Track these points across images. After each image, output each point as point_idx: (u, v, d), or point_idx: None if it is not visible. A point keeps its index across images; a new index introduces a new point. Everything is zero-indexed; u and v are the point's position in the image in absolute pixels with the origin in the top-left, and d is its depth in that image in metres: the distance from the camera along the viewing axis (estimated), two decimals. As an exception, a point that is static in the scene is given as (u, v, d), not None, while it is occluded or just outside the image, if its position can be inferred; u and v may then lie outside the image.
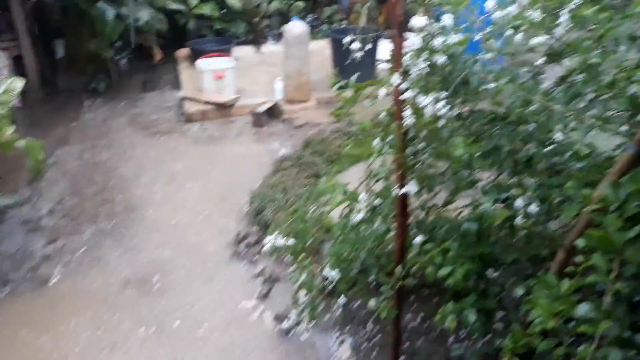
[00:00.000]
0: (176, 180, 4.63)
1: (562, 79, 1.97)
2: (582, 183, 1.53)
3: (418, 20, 1.57)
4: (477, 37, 1.81)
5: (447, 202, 1.99)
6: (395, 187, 1.89)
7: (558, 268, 1.58)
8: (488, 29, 1.83)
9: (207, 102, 5.88)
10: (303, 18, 8.91)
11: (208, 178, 4.65)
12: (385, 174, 2.10)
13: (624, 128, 1.49)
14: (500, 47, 1.88)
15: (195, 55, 6.83)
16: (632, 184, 1.26)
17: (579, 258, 1.29)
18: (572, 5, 1.72)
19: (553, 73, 2.05)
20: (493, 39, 1.85)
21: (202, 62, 6.09)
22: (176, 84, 6.81)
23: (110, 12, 5.93)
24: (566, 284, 1.31)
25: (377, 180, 2.16)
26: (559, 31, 1.76)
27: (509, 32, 1.79)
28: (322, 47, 7.19)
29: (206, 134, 5.54)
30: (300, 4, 8.52)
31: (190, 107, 5.86)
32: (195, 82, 6.40)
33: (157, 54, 7.41)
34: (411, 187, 1.87)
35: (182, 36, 7.87)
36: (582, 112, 1.51)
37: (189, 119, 5.80)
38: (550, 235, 1.69)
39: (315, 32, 8.62)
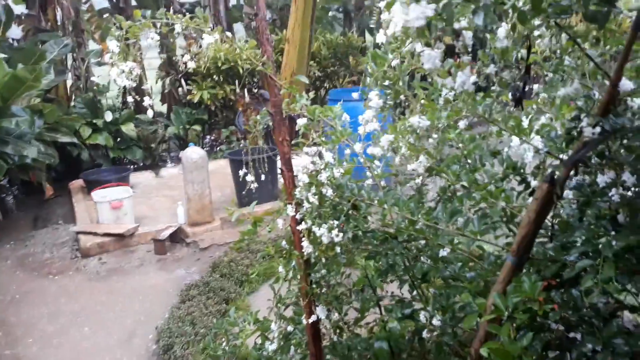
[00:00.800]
0: (74, 324, 4.24)
1: (443, 191, 2.15)
2: (476, 291, 1.62)
3: (303, 161, 1.67)
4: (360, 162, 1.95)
5: (358, 320, 2.00)
6: (304, 315, 1.88)
7: (469, 378, 1.61)
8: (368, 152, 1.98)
9: (104, 234, 5.62)
10: (202, 140, 9.09)
11: (110, 317, 4.31)
12: (293, 299, 2.08)
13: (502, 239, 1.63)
14: (383, 171, 2.04)
15: (90, 186, 6.63)
16: (516, 293, 1.35)
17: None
18: (440, 126, 1.93)
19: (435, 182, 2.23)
20: (374, 162, 2.00)
21: (98, 194, 5.90)
22: (71, 218, 6.48)
23: (-7, 153, 5.66)
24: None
25: (285, 307, 2.14)
26: (433, 151, 1.95)
27: (389, 154, 1.95)
28: (223, 166, 7.31)
29: (105, 268, 5.23)
30: (197, 128, 8.72)
31: (87, 241, 5.56)
32: (91, 215, 6.15)
33: (49, 190, 7.10)
34: (320, 313, 1.87)
35: (75, 167, 7.66)
36: (463, 227, 1.63)
37: (86, 253, 5.47)
38: (457, 344, 1.74)
39: (215, 152, 8.79)
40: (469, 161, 2.02)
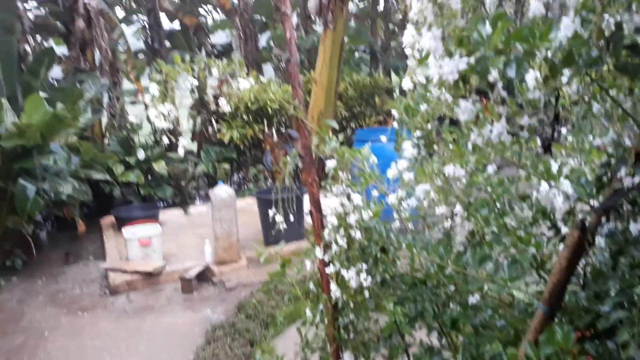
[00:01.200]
0: (99, 362, 4.26)
1: (472, 235, 2.13)
2: (507, 340, 1.58)
3: (331, 202, 1.69)
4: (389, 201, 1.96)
5: (383, 369, 1.97)
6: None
7: None
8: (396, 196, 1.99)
9: (133, 272, 5.69)
10: (230, 177, 9.24)
11: (134, 357, 4.32)
12: (320, 344, 2.06)
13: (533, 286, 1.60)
14: (411, 213, 2.04)
15: (121, 222, 6.76)
16: (548, 344, 1.32)
17: None
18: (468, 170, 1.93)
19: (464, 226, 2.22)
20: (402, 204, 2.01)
21: (128, 231, 6.01)
22: (101, 254, 6.59)
23: (31, 190, 5.85)
24: None
25: (312, 352, 2.12)
26: (461, 194, 1.95)
27: (416, 199, 1.96)
28: (250, 204, 7.38)
29: (133, 306, 5.27)
30: (226, 166, 8.87)
31: (115, 279, 5.63)
32: (121, 251, 6.25)
33: (81, 225, 7.26)
34: (347, 359, 1.85)
35: (107, 203, 7.84)
36: (493, 273, 1.61)
37: (114, 291, 5.54)
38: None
39: (243, 190, 8.91)
40: (498, 205, 2.01)
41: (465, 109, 1.13)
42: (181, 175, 8.42)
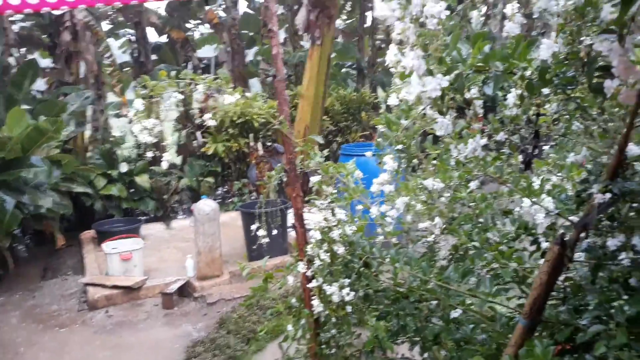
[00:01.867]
0: (76, 379, 4.17)
1: (455, 249, 2.14)
2: (488, 355, 1.59)
3: (315, 216, 1.69)
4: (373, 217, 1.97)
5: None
6: (312, 377, 1.84)
7: None
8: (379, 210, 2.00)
9: (113, 287, 5.60)
10: (214, 191, 9.18)
11: (113, 372, 4.23)
12: (302, 359, 2.05)
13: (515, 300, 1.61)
14: (395, 228, 2.05)
15: (102, 237, 6.67)
16: (528, 358, 1.32)
17: None
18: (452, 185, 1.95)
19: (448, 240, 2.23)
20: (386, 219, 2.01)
21: (108, 245, 5.93)
22: (80, 269, 6.47)
23: (10, 203, 5.75)
24: None
25: (294, 368, 2.10)
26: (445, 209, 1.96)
27: (396, 211, 1.97)
28: (234, 218, 7.34)
29: (112, 322, 5.17)
30: (211, 180, 8.82)
31: (95, 293, 5.53)
32: (100, 266, 6.15)
33: (60, 239, 7.13)
34: (329, 374, 1.84)
35: (88, 217, 7.73)
36: (475, 287, 1.62)
37: (93, 306, 5.43)
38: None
39: (227, 204, 8.85)
40: (481, 220, 2.03)
41: (442, 125, 1.15)
42: (164, 189, 8.35)
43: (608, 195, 1.23)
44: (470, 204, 2.04)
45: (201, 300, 5.42)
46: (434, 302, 1.76)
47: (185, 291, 5.61)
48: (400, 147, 1.60)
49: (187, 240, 6.58)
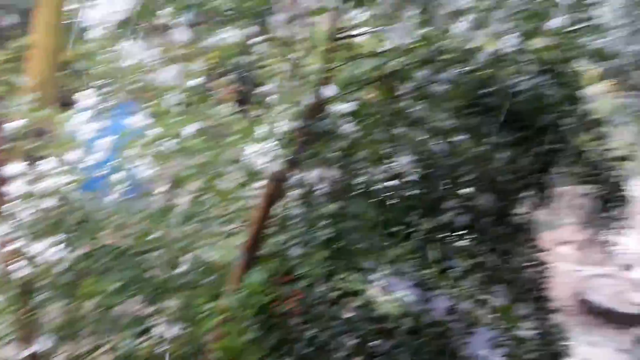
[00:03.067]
0: None
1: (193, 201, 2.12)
2: (213, 295, 1.62)
3: (15, 167, 1.47)
4: (96, 174, 1.81)
5: (94, 349, 1.82)
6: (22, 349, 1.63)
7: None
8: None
9: None
10: None
11: None
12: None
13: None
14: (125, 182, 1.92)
15: None
16: (244, 288, 1.39)
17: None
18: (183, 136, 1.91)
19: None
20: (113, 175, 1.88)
21: None
22: None
23: None
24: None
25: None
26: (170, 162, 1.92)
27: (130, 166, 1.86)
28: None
29: None
30: None
31: None
32: None
33: None
34: (44, 343, 1.65)
35: None
36: (199, 232, 1.63)
37: None
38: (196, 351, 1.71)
39: None
40: (212, 170, 2.04)
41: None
42: None
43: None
44: (200, 155, 2.03)
45: None
46: (158, 253, 1.71)
47: None
48: (100, 82, 1.48)
49: None
